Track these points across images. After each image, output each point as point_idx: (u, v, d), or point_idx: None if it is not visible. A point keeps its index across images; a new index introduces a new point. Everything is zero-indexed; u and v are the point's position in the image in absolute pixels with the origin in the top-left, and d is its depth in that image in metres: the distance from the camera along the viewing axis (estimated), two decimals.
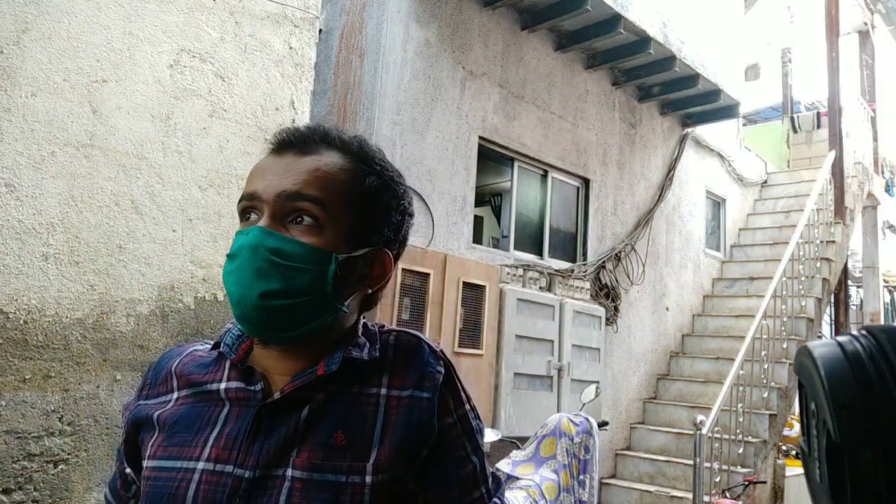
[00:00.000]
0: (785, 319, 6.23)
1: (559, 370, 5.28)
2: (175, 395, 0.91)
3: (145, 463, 0.86)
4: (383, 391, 0.86)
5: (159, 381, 0.94)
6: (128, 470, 0.94)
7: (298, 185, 0.82)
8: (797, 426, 7.91)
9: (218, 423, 0.85)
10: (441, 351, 0.94)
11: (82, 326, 2.75)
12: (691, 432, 4.83)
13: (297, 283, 0.81)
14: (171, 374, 0.93)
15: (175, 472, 0.82)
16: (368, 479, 0.81)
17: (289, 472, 0.80)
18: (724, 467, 5.09)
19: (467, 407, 0.93)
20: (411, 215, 0.95)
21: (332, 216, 0.83)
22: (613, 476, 6.12)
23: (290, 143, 0.86)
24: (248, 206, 0.85)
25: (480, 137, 5.17)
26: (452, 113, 4.96)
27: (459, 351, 4.58)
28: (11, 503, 2.53)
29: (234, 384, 0.87)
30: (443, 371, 0.90)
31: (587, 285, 5.92)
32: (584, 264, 6.05)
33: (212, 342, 0.96)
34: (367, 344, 0.89)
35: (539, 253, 5.77)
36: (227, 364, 0.90)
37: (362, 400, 0.85)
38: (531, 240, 5.79)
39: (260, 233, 0.81)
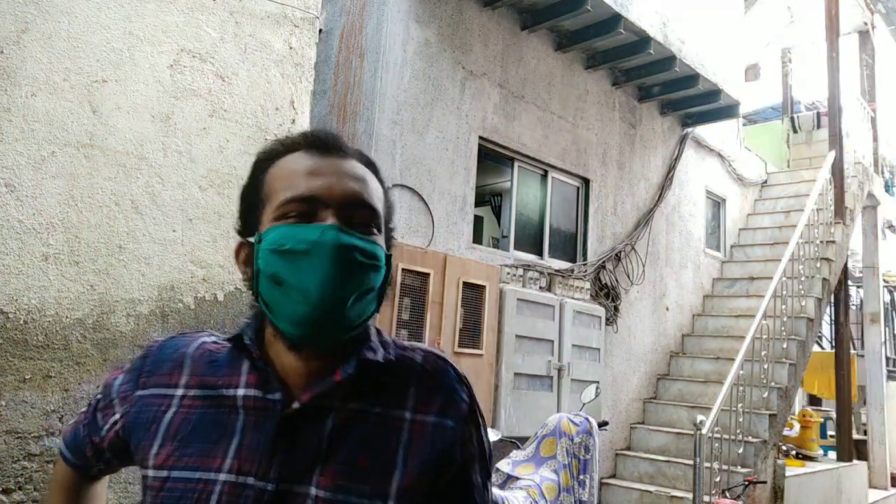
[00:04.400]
0: (785, 319, 6.23)
1: (559, 370, 5.28)
2: (181, 391, 0.87)
3: (150, 472, 0.83)
4: (408, 415, 0.86)
5: (162, 371, 0.90)
6: (95, 439, 0.95)
7: (358, 191, 0.84)
8: (797, 426, 7.91)
9: (236, 432, 0.82)
10: (464, 375, 0.95)
11: (82, 326, 2.75)
12: (691, 432, 4.82)
13: (373, 282, 0.82)
14: (180, 368, 0.89)
15: (194, 482, 0.80)
16: (391, 503, 0.81)
17: (312, 490, 0.79)
18: (724, 467, 5.09)
19: (482, 432, 0.94)
20: None
21: (380, 220, 0.86)
22: (613, 476, 6.12)
23: (331, 146, 0.87)
24: (304, 208, 0.82)
25: (480, 137, 5.17)
26: (452, 113, 4.96)
27: (459, 351, 4.58)
28: (11, 503, 2.53)
29: (252, 392, 0.84)
30: (468, 399, 0.91)
31: (587, 285, 5.92)
32: (584, 264, 6.05)
33: (219, 335, 0.94)
34: (381, 349, 0.89)
35: (539, 253, 5.77)
36: (245, 366, 0.86)
37: (387, 422, 0.85)
38: (531, 240, 5.79)
39: (340, 232, 0.79)
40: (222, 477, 0.80)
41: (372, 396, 0.86)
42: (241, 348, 0.87)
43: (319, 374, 0.84)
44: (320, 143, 0.87)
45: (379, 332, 0.92)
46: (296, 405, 0.82)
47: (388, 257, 0.85)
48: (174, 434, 0.84)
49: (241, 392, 0.84)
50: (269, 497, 0.78)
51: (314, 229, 0.79)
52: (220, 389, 0.86)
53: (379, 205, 0.86)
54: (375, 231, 0.85)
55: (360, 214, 0.83)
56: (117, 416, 0.91)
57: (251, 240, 0.84)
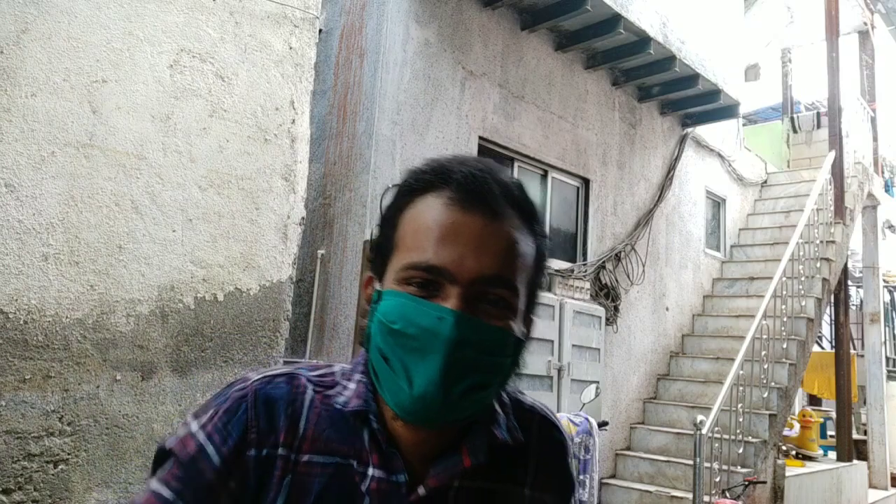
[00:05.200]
0: (785, 319, 6.23)
1: (559, 370, 5.28)
2: (293, 455, 0.75)
3: None
4: (527, 492, 0.83)
5: (279, 427, 0.75)
6: None
7: (498, 269, 0.71)
8: (797, 426, 7.91)
9: None
10: (567, 440, 0.92)
11: (82, 326, 2.75)
12: (691, 432, 4.82)
13: (494, 375, 0.73)
14: (296, 427, 0.76)
15: None
16: None
17: None
18: (724, 467, 5.09)
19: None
20: None
21: (520, 299, 0.74)
22: (613, 476, 6.12)
23: (481, 200, 0.72)
24: (429, 278, 0.71)
25: (480, 137, 5.18)
26: (452, 113, 4.96)
27: None
28: (11, 503, 2.53)
29: (377, 473, 0.75)
30: (574, 474, 0.92)
31: (587, 285, 5.92)
32: (584, 264, 6.05)
33: (316, 381, 0.80)
34: (504, 417, 0.82)
35: None
36: (367, 439, 0.76)
37: (506, 498, 0.81)
38: None
39: (461, 321, 0.68)
40: None
41: (494, 473, 0.80)
42: (359, 418, 0.77)
43: (440, 448, 0.76)
44: (468, 191, 0.72)
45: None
46: (421, 491, 0.74)
47: (520, 343, 0.74)
48: (296, 501, 0.74)
49: (369, 472, 0.75)
50: None
51: (429, 314, 0.69)
52: (347, 460, 0.76)
53: (522, 278, 0.74)
54: (510, 313, 0.73)
55: (495, 293, 0.72)
56: (231, 486, 0.74)
57: (378, 287, 0.76)
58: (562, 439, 0.88)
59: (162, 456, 0.76)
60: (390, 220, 0.76)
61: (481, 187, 0.72)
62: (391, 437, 0.76)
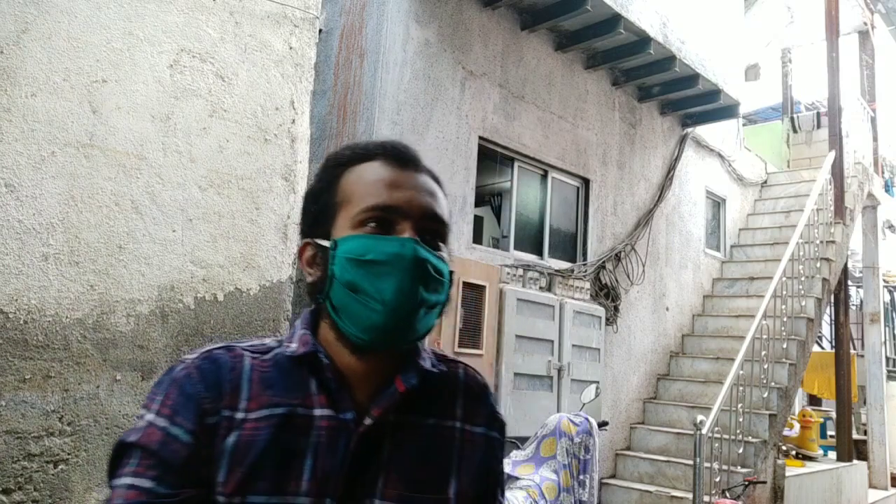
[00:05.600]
0: (785, 319, 6.23)
1: (559, 370, 5.28)
2: (240, 415, 0.81)
3: (220, 499, 0.78)
4: (458, 424, 0.91)
5: (224, 392, 0.82)
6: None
7: (435, 207, 0.88)
8: (797, 426, 7.91)
9: (308, 454, 0.81)
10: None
11: (82, 326, 2.75)
12: (691, 432, 4.83)
13: (441, 296, 0.85)
14: (238, 390, 0.83)
15: None
16: None
17: (377, 502, 0.82)
18: (724, 467, 5.09)
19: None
20: None
21: (448, 237, 0.90)
22: (613, 476, 6.12)
23: (409, 160, 0.89)
24: (383, 217, 0.84)
25: (480, 137, 5.17)
26: (452, 113, 4.96)
27: (459, 351, 4.58)
28: (11, 503, 2.53)
29: (326, 413, 0.83)
30: (502, 416, 0.99)
31: (587, 285, 5.92)
32: (584, 264, 6.05)
33: (247, 347, 0.88)
34: (429, 356, 0.93)
35: (539, 253, 5.77)
36: (314, 385, 0.84)
37: (441, 433, 0.89)
38: (531, 240, 5.79)
39: (418, 246, 0.82)
40: (302, 500, 0.79)
41: (425, 408, 0.89)
42: (310, 364, 0.85)
43: (378, 379, 0.86)
44: (400, 155, 0.89)
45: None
46: (368, 422, 0.83)
47: (452, 273, 0.88)
48: (241, 459, 0.79)
49: (316, 412, 0.83)
50: None
51: (395, 242, 0.82)
52: (293, 408, 0.82)
53: (448, 218, 0.90)
54: (443, 246, 0.88)
55: (433, 229, 0.86)
56: (196, 453, 0.80)
57: (324, 243, 0.85)
58: (483, 381, 0.99)
59: (121, 453, 0.80)
60: (328, 188, 0.88)
61: (407, 151, 0.90)
62: (341, 381, 0.85)
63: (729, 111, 7.04)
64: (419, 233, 0.84)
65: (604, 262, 6.23)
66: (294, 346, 0.86)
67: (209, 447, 0.79)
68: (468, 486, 0.88)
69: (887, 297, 11.55)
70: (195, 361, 0.85)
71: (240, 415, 0.81)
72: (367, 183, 0.86)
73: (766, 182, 9.09)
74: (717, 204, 8.22)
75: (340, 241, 0.83)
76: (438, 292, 0.85)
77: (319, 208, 0.89)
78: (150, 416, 0.80)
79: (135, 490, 0.75)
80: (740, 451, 5.37)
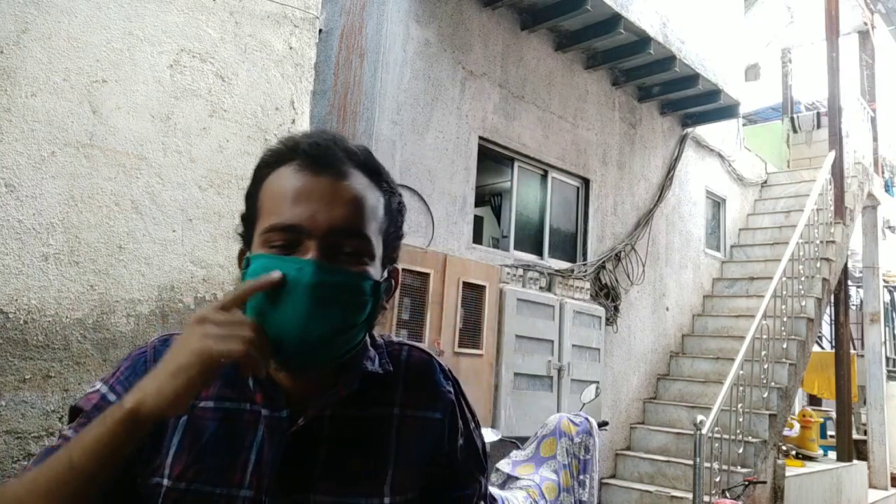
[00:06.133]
0: (785, 319, 6.23)
1: (559, 370, 5.28)
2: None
3: (164, 482, 0.81)
4: (396, 410, 0.89)
5: None
6: None
7: (348, 220, 0.80)
8: (797, 426, 7.91)
9: (253, 447, 0.82)
10: (449, 370, 0.97)
11: (82, 326, 2.75)
12: (691, 432, 4.82)
13: (357, 315, 0.80)
14: None
15: (214, 497, 0.80)
16: (387, 500, 0.84)
17: (314, 497, 0.82)
18: (724, 467, 5.09)
19: (472, 426, 0.97)
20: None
21: (374, 247, 0.83)
22: (613, 476, 6.12)
23: (326, 163, 0.81)
24: (286, 236, 0.79)
25: (480, 137, 5.17)
26: (452, 113, 4.96)
27: (459, 351, 4.58)
28: None
29: (264, 411, 0.84)
30: (453, 392, 0.94)
31: (587, 285, 5.92)
32: (584, 264, 6.05)
33: None
34: (377, 356, 0.90)
35: (539, 253, 5.77)
36: (251, 383, 0.85)
37: (378, 421, 0.87)
38: (531, 240, 5.79)
39: (318, 268, 0.76)
40: (244, 493, 0.80)
41: (365, 400, 0.87)
42: None
43: (319, 386, 0.84)
44: (317, 157, 0.81)
45: (371, 335, 0.93)
46: (301, 421, 0.82)
47: (378, 285, 0.82)
48: (189, 445, 0.82)
49: (256, 409, 0.84)
50: None
51: (290, 265, 0.76)
52: (237, 403, 0.84)
53: (373, 227, 0.83)
54: (366, 259, 0.81)
55: (348, 243, 0.80)
56: None
57: (247, 255, 0.83)
58: (428, 359, 0.94)
59: (72, 414, 0.86)
60: (252, 194, 0.85)
61: (325, 152, 0.81)
62: (275, 381, 0.84)
63: (729, 111, 7.04)
64: (330, 249, 0.78)
65: (604, 262, 6.23)
66: None
67: None
68: (409, 472, 0.86)
69: (887, 297, 11.55)
70: (153, 343, 0.89)
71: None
72: (274, 196, 0.81)
73: (766, 182, 9.09)
74: (717, 204, 8.22)
75: (252, 258, 0.81)
76: (355, 312, 0.79)
77: (247, 214, 0.86)
78: (98, 385, 0.86)
79: (65, 439, 0.80)
80: (740, 451, 5.37)
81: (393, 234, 0.89)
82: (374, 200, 0.84)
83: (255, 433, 0.83)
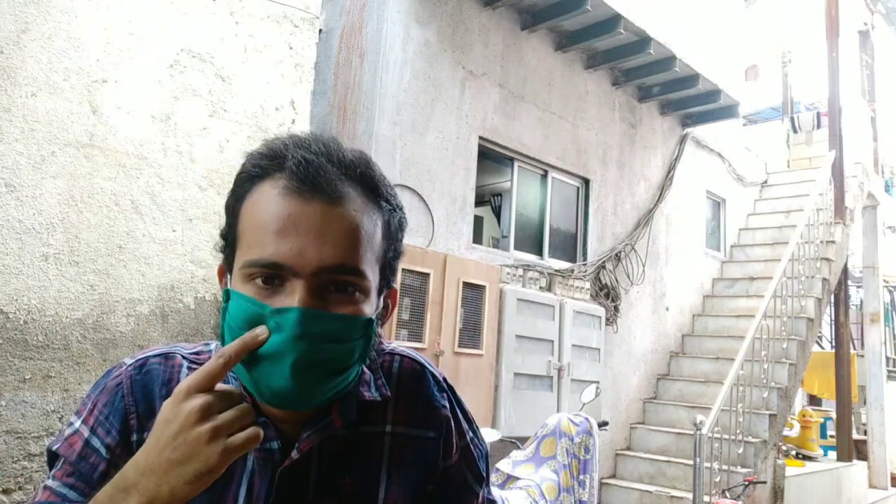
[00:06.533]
0: (785, 319, 6.23)
1: (559, 370, 5.28)
2: None
3: None
4: (388, 428, 0.85)
5: (153, 409, 0.77)
6: None
7: (340, 257, 0.71)
8: (797, 426, 7.91)
9: (243, 480, 0.78)
10: (444, 378, 0.92)
11: (82, 326, 2.75)
12: (691, 432, 4.82)
13: (349, 358, 0.74)
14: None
15: None
16: None
17: None
18: (724, 467, 5.09)
19: (468, 437, 0.92)
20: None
21: (369, 281, 0.74)
22: (613, 476, 6.12)
23: (317, 186, 0.71)
24: (271, 273, 0.70)
25: (480, 137, 5.18)
26: (452, 113, 4.96)
27: (459, 351, 4.58)
28: (11, 503, 2.53)
29: None
30: (448, 406, 0.89)
31: (587, 285, 5.92)
32: (584, 264, 6.05)
33: (192, 362, 0.83)
34: (372, 377, 0.85)
35: (539, 253, 5.77)
36: None
37: (371, 442, 0.84)
38: (531, 240, 5.79)
39: (304, 318, 0.68)
40: None
41: (359, 421, 0.83)
42: None
43: (312, 416, 0.79)
44: (305, 176, 0.70)
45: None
46: (294, 455, 0.78)
47: (371, 322, 0.75)
48: None
49: None
50: None
51: (271, 319, 0.69)
52: None
53: (369, 258, 0.74)
54: (360, 297, 0.73)
55: (340, 279, 0.72)
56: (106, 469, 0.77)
57: (226, 281, 0.77)
58: (420, 371, 0.88)
59: (51, 458, 0.79)
60: (232, 209, 0.76)
61: (316, 172, 0.71)
62: (264, 413, 0.77)
63: (729, 111, 7.04)
64: (319, 289, 0.70)
65: (604, 262, 6.23)
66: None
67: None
68: (401, 492, 0.83)
69: (887, 297, 11.55)
70: (129, 371, 0.81)
71: None
72: (256, 224, 0.72)
73: (766, 182, 9.09)
74: (717, 204, 8.22)
75: (232, 293, 0.73)
76: (346, 355, 0.73)
77: (227, 232, 0.77)
78: (76, 424, 0.79)
79: (52, 492, 0.75)
80: (740, 451, 5.37)
81: (391, 256, 0.80)
82: (371, 227, 0.75)
83: (244, 464, 0.79)
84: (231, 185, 0.79)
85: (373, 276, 0.75)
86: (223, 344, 0.74)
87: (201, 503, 0.75)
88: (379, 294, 0.79)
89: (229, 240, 0.77)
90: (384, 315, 0.82)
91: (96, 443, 0.77)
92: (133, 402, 0.79)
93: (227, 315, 0.73)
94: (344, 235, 0.72)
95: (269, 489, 0.78)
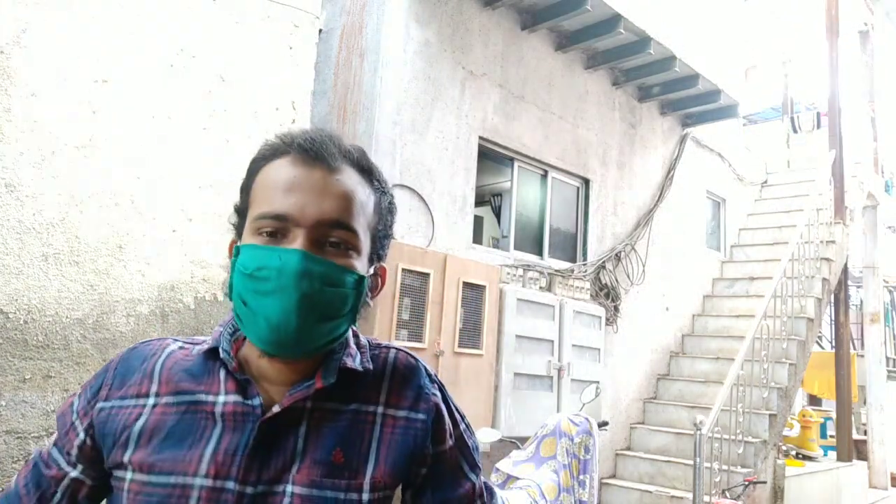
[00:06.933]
0: (785, 319, 6.23)
1: (559, 370, 5.28)
2: (152, 400, 0.86)
3: (127, 475, 0.83)
4: (380, 409, 0.90)
5: (130, 382, 0.89)
6: (74, 474, 0.88)
7: (337, 213, 0.83)
8: (797, 426, 7.91)
9: (213, 437, 0.83)
10: (435, 374, 0.99)
11: (82, 326, 2.75)
12: (691, 432, 4.82)
13: (341, 306, 0.83)
14: (151, 377, 0.88)
15: (170, 487, 0.81)
16: (366, 496, 0.84)
17: (289, 488, 0.82)
18: (724, 467, 5.09)
19: (462, 427, 0.98)
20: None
21: (361, 241, 0.85)
22: (613, 476, 6.12)
23: (320, 157, 0.84)
24: (276, 225, 0.82)
25: (480, 137, 5.17)
26: (452, 113, 4.96)
27: (459, 351, 4.58)
28: None
29: (231, 398, 0.85)
30: (438, 395, 0.95)
31: (587, 285, 5.92)
32: (584, 264, 6.05)
33: (184, 339, 0.94)
34: (359, 354, 0.92)
35: (539, 253, 5.77)
36: (223, 374, 0.87)
37: (360, 417, 0.88)
38: (531, 240, 5.79)
39: (304, 258, 0.79)
40: (198, 481, 0.81)
41: (347, 396, 0.88)
42: (216, 359, 0.88)
43: (298, 378, 0.86)
44: (310, 150, 0.84)
45: (356, 335, 0.95)
46: (276, 409, 0.83)
47: (363, 280, 0.85)
48: (147, 440, 0.84)
49: (221, 399, 0.85)
50: (249, 500, 0.80)
51: (276, 255, 0.79)
52: (198, 395, 0.86)
53: (361, 221, 0.85)
54: (353, 252, 0.84)
55: (335, 234, 0.83)
56: (81, 436, 0.89)
57: (237, 244, 0.86)
58: (414, 363, 0.96)
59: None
60: (246, 186, 0.89)
61: (319, 147, 0.84)
62: (250, 370, 0.87)
63: (729, 111, 7.04)
64: (317, 240, 0.81)
65: (604, 262, 6.23)
66: (208, 342, 0.90)
67: (91, 423, 0.88)
68: (389, 470, 0.87)
69: (887, 297, 11.55)
70: (122, 352, 0.94)
71: (151, 400, 0.87)
72: (267, 186, 0.84)
73: (766, 182, 9.09)
74: (717, 204, 8.22)
75: (241, 248, 0.83)
76: (338, 303, 0.82)
77: (241, 205, 0.89)
78: (77, 393, 0.94)
79: (46, 448, 0.91)
80: (740, 451, 5.37)
81: (382, 231, 0.91)
82: (365, 196, 0.87)
83: (215, 422, 0.84)
84: (231, 186, 0.84)
85: (364, 239, 0.86)
86: (230, 295, 0.84)
87: (169, 458, 0.82)
88: (370, 262, 0.89)
89: (242, 212, 0.88)
90: (374, 289, 0.91)
91: (76, 403, 0.91)
92: (112, 376, 0.90)
93: (238, 264, 0.82)
94: (341, 197, 0.84)
95: (245, 446, 0.82)
